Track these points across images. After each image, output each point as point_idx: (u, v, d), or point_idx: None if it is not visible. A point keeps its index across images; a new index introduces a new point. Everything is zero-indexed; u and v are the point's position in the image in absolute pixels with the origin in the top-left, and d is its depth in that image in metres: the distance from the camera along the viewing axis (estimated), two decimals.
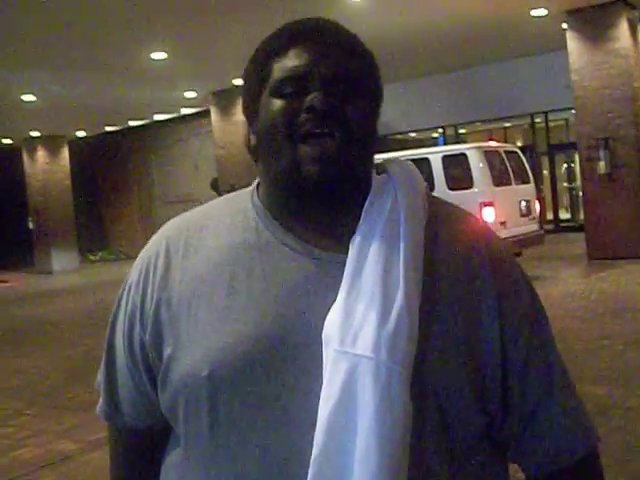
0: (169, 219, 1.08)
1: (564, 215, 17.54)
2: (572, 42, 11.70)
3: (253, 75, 1.02)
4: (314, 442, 0.85)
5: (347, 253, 0.93)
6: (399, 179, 1.00)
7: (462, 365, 0.92)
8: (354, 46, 1.01)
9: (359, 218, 0.96)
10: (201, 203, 1.10)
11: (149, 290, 1.00)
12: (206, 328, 0.93)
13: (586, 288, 8.95)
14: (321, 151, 0.93)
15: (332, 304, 0.90)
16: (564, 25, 11.80)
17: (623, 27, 11.34)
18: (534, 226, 10.59)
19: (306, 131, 0.93)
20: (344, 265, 0.92)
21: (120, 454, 1.11)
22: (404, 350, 0.86)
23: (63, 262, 20.08)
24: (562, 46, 12.03)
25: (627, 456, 3.60)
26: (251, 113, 1.02)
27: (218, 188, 15.67)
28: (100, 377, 1.09)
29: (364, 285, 0.90)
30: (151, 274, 1.00)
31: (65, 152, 20.64)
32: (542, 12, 11.49)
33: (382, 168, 1.03)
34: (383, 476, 0.83)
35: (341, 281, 0.91)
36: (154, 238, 1.06)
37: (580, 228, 13.48)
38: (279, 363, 0.89)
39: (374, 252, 0.92)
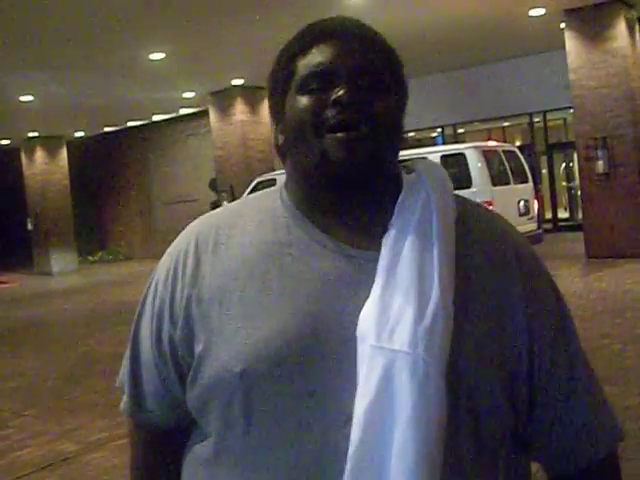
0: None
1: (563, 214, 17.53)
2: (570, 41, 11.70)
3: (278, 75, 1.03)
4: (351, 438, 0.86)
5: (379, 250, 0.94)
6: (429, 178, 1.01)
7: (493, 362, 0.94)
8: (377, 42, 1.02)
9: (390, 216, 0.97)
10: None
11: (179, 287, 1.00)
12: (238, 324, 0.94)
13: (585, 287, 8.96)
14: (349, 138, 0.94)
15: (365, 301, 0.91)
16: (562, 25, 11.80)
17: (621, 26, 11.34)
18: (532, 225, 10.60)
19: (334, 124, 0.94)
20: (376, 262, 0.93)
21: (142, 451, 1.12)
22: (440, 346, 0.88)
23: (62, 263, 20.05)
24: (560, 46, 12.04)
25: (626, 455, 3.62)
26: (278, 113, 1.03)
27: (217, 188, 15.65)
28: (123, 374, 1.09)
29: (399, 281, 0.91)
30: (180, 271, 1.01)
31: (64, 153, 20.60)
32: (540, 12, 11.49)
33: (411, 167, 1.05)
34: (420, 471, 0.84)
35: (373, 278, 0.92)
36: (182, 235, 1.07)
37: (579, 227, 13.47)
38: (312, 359, 0.90)
39: (408, 249, 0.93)
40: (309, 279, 0.95)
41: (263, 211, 1.04)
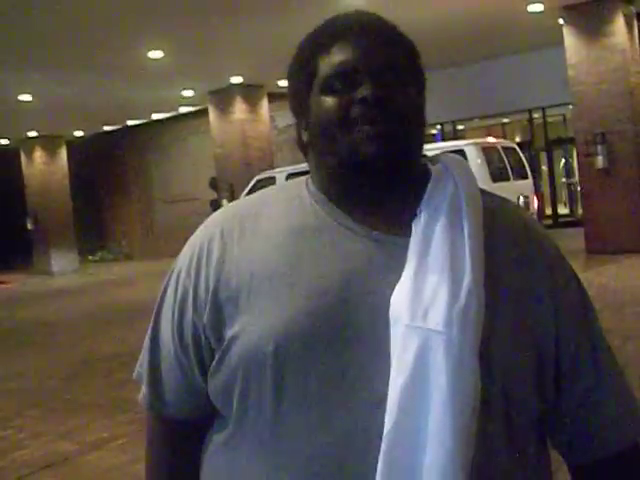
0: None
1: (563, 210, 17.54)
2: (569, 38, 11.70)
3: (299, 74, 1.03)
4: (386, 417, 0.86)
5: (407, 236, 0.95)
6: (455, 168, 1.02)
7: (523, 344, 0.95)
8: (396, 36, 1.03)
9: (415, 204, 0.98)
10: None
11: (203, 274, 1.00)
12: (268, 304, 0.94)
13: (585, 282, 8.83)
14: (377, 131, 0.95)
15: (394, 284, 0.92)
16: (560, 21, 11.80)
17: (619, 22, 11.33)
18: None
19: (362, 121, 0.95)
20: (405, 247, 0.95)
21: (160, 444, 1.11)
22: (474, 326, 0.88)
23: (62, 263, 20.04)
24: (559, 42, 12.03)
25: None
26: (301, 111, 1.04)
27: (217, 187, 15.66)
28: (141, 366, 1.09)
29: (431, 263, 0.92)
30: (204, 258, 1.01)
31: (63, 152, 20.59)
32: (539, 8, 11.49)
33: (436, 160, 1.06)
34: (457, 449, 0.84)
35: (403, 262, 0.93)
36: (205, 225, 1.07)
37: (579, 223, 13.47)
38: (344, 340, 0.91)
39: (440, 233, 0.95)
40: (339, 261, 0.95)
41: (289, 199, 1.04)
